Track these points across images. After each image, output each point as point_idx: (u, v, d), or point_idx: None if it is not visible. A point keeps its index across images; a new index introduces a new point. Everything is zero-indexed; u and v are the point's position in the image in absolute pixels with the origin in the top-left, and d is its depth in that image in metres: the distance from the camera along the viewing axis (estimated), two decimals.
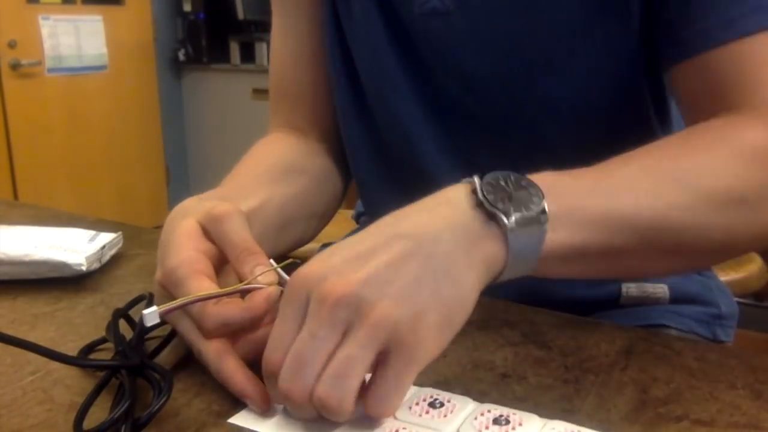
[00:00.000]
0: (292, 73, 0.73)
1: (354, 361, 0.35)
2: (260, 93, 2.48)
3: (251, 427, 0.38)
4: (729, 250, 0.51)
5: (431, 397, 0.40)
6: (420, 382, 0.42)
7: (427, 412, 0.38)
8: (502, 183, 0.41)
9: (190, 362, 0.46)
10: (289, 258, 0.46)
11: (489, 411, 0.38)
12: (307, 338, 0.36)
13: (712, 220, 0.46)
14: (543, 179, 0.42)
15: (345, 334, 0.36)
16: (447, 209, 0.41)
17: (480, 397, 0.41)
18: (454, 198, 0.41)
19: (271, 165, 0.65)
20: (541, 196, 0.41)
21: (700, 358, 0.46)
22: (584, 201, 0.43)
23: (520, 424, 0.37)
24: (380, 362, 0.37)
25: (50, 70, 3.37)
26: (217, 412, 0.40)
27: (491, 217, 0.40)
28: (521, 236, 0.40)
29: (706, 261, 0.59)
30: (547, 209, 0.40)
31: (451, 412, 0.38)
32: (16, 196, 3.25)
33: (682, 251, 0.47)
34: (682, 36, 0.53)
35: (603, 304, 0.64)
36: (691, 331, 0.64)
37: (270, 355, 0.38)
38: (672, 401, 0.40)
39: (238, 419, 0.39)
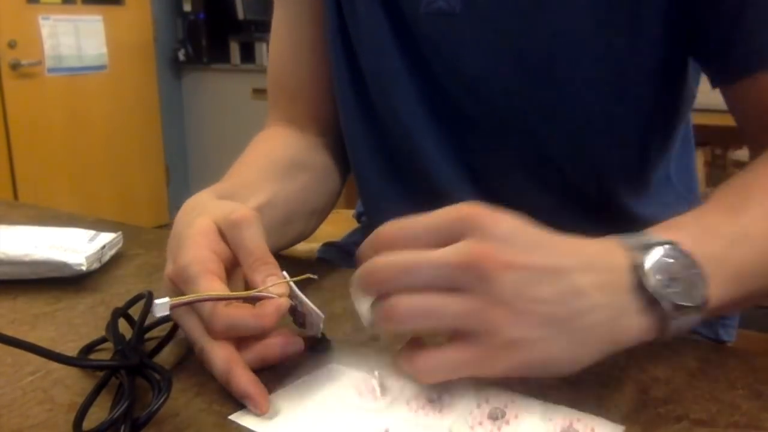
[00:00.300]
0: (291, 67, 0.73)
1: (450, 311, 0.36)
2: (260, 93, 2.47)
3: (251, 427, 0.38)
4: None
5: (435, 395, 0.40)
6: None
7: (427, 415, 0.38)
8: (668, 261, 0.39)
9: (190, 362, 0.46)
10: (306, 274, 0.46)
11: (487, 402, 0.38)
12: (434, 257, 0.36)
13: None
14: (697, 247, 0.41)
15: (460, 291, 0.36)
16: (610, 277, 0.39)
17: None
18: (617, 268, 0.40)
19: (274, 160, 0.65)
20: (703, 282, 0.40)
21: (700, 358, 0.46)
22: (732, 260, 0.43)
23: (516, 417, 0.37)
24: (463, 338, 0.37)
25: (50, 70, 3.37)
26: (217, 412, 0.40)
27: (653, 302, 0.39)
28: (680, 321, 0.40)
29: None
30: (707, 295, 0.40)
31: (449, 406, 0.38)
32: (16, 196, 3.25)
33: None
34: (740, 52, 0.53)
35: None
36: (694, 331, 0.64)
37: (388, 232, 0.38)
38: (672, 401, 0.40)
39: (239, 417, 0.39)
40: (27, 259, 0.60)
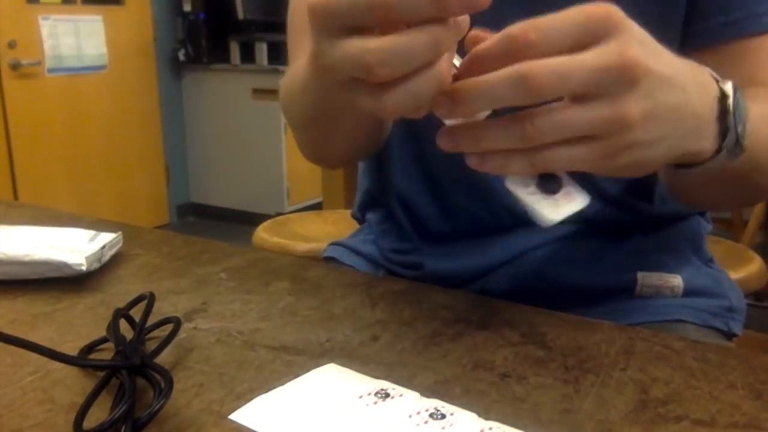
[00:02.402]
0: None
1: (594, 116, 0.37)
2: (260, 93, 2.48)
3: (251, 427, 0.38)
4: None
5: (435, 408, 0.40)
6: (420, 382, 0.43)
7: (426, 422, 0.38)
8: (741, 103, 0.44)
9: (190, 362, 0.46)
10: None
11: (490, 429, 0.38)
12: (589, 62, 0.36)
13: None
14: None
15: (604, 96, 0.37)
16: (707, 98, 0.43)
17: (480, 397, 0.41)
18: (711, 91, 0.43)
19: None
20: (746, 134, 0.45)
21: (700, 358, 0.46)
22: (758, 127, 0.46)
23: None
24: (593, 138, 0.38)
25: (50, 70, 3.37)
26: (217, 412, 0.40)
27: (724, 132, 0.44)
28: (724, 156, 0.44)
29: None
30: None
31: (451, 425, 0.38)
32: (16, 196, 3.25)
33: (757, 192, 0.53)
34: (716, 22, 0.57)
35: (618, 293, 0.64)
36: (707, 325, 0.64)
37: (524, 35, 0.36)
38: (672, 401, 0.40)
39: (239, 417, 0.39)
40: (27, 259, 0.60)
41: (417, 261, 0.69)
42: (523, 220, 0.65)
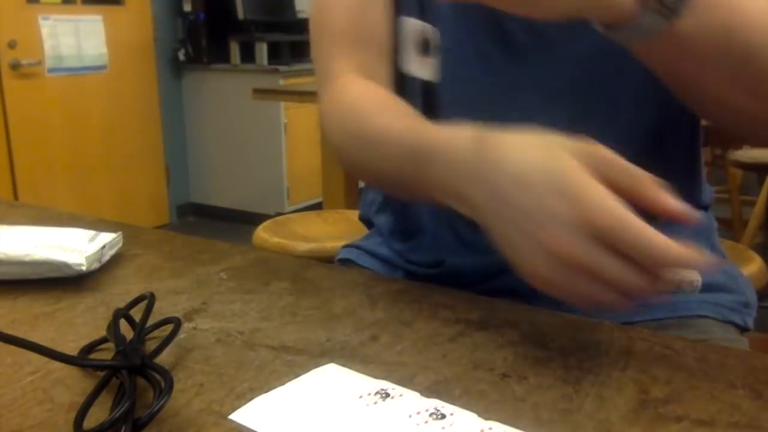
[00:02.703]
0: (371, 13, 0.68)
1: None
2: (260, 93, 2.47)
3: (251, 427, 0.38)
4: None
5: (435, 408, 0.40)
6: (420, 382, 0.43)
7: (426, 422, 0.38)
8: None
9: (190, 362, 0.46)
10: None
11: (490, 429, 0.38)
12: None
13: None
14: None
15: None
16: None
17: (480, 397, 0.41)
18: None
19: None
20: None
21: (700, 358, 0.46)
22: (716, 5, 0.45)
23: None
24: None
25: (50, 70, 3.37)
26: (217, 412, 0.40)
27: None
28: (650, 16, 0.44)
29: None
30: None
31: (451, 425, 0.38)
32: (16, 196, 3.25)
33: (764, 85, 0.49)
34: None
35: None
36: (726, 320, 0.65)
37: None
38: (672, 401, 0.40)
39: (239, 417, 0.39)
40: (27, 259, 0.60)
41: (437, 259, 0.69)
42: None
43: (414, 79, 0.66)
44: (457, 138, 0.49)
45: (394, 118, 0.58)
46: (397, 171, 0.55)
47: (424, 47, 0.63)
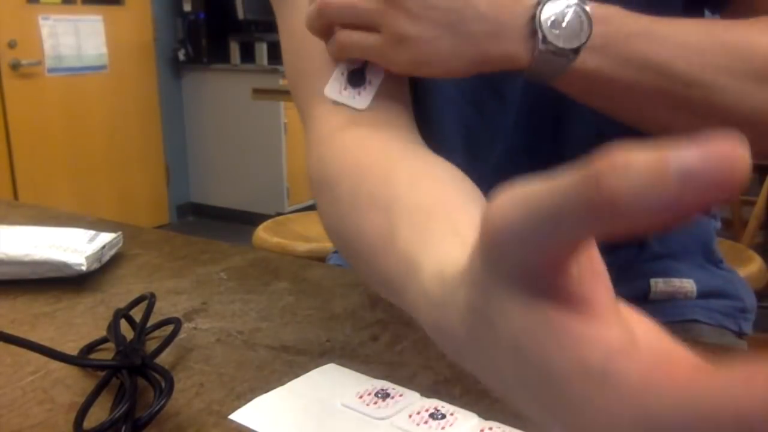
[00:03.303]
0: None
1: (363, 9, 0.46)
2: (260, 93, 2.47)
3: (251, 427, 0.38)
4: (758, 127, 0.50)
5: (435, 408, 0.40)
6: (420, 382, 0.43)
7: (426, 422, 0.38)
8: (563, 6, 0.44)
9: (190, 362, 0.46)
10: None
11: (490, 429, 0.38)
12: None
13: (749, 90, 0.47)
14: (602, 8, 0.45)
15: None
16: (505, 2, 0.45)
17: (480, 397, 0.41)
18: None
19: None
20: (584, 34, 0.44)
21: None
22: (628, 38, 0.45)
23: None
24: (373, 29, 0.46)
25: (50, 70, 3.37)
26: (217, 412, 0.40)
27: (533, 34, 0.44)
28: (549, 60, 0.44)
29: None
30: (588, 42, 0.44)
31: (451, 425, 0.38)
32: (16, 196, 3.25)
33: (711, 113, 0.48)
34: None
35: (631, 302, 0.64)
36: (720, 325, 0.64)
37: None
38: None
39: (239, 417, 0.39)
40: (27, 259, 0.60)
41: None
42: None
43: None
44: (445, 312, 0.29)
45: (380, 224, 0.40)
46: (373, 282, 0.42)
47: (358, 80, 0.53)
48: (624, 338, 0.19)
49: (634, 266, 0.64)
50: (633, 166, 0.16)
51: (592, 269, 0.20)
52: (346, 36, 0.47)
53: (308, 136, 0.53)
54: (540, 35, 0.44)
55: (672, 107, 0.48)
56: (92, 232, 0.66)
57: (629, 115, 0.52)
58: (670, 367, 0.17)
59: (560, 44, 0.44)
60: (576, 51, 0.44)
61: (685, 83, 0.46)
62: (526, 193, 0.19)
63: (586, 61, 0.44)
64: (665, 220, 0.16)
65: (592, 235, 0.18)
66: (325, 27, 0.48)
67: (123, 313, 0.49)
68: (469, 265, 0.23)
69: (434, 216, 0.33)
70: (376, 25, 0.46)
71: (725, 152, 0.15)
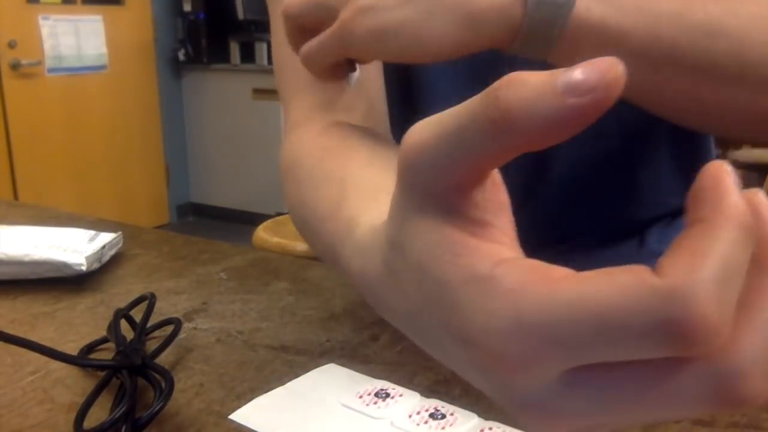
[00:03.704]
0: None
1: None
2: (260, 93, 2.48)
3: (251, 427, 0.38)
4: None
5: (435, 408, 0.40)
6: (420, 382, 0.43)
7: (426, 422, 0.38)
8: None
9: (190, 362, 0.46)
10: None
11: (490, 429, 0.38)
12: None
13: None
14: None
15: None
16: None
17: (480, 397, 0.41)
18: None
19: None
20: None
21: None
22: None
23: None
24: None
25: (50, 70, 3.37)
26: (217, 412, 0.40)
27: None
28: (537, 17, 0.38)
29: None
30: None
31: (451, 425, 0.38)
32: (16, 196, 3.25)
33: (744, 72, 0.41)
34: None
35: None
36: None
37: None
38: None
39: (239, 417, 0.39)
40: (27, 259, 0.60)
41: None
42: (535, 235, 0.65)
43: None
44: (370, 255, 0.30)
45: (321, 197, 0.43)
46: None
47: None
48: (515, 254, 0.21)
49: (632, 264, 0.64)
50: (526, 81, 0.18)
51: (496, 199, 0.22)
52: (306, 48, 0.43)
53: (284, 126, 0.55)
54: None
55: (696, 69, 0.41)
56: (92, 232, 0.66)
57: (647, 89, 0.44)
58: (545, 273, 0.19)
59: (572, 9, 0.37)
60: (570, 3, 0.38)
61: (707, 32, 0.39)
62: (440, 116, 0.20)
63: (590, 8, 0.38)
64: (557, 133, 0.18)
65: (496, 153, 0.19)
66: (295, 30, 0.44)
67: (123, 313, 0.49)
68: (391, 201, 0.24)
69: (384, 190, 0.32)
70: (338, 7, 0.41)
71: (605, 66, 0.18)
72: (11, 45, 3.20)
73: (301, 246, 1.52)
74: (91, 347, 0.48)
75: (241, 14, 3.76)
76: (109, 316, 0.48)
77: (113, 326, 0.47)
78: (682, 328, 0.16)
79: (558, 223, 0.63)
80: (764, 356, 0.17)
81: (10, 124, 3.24)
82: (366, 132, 0.48)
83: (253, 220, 2.39)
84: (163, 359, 0.45)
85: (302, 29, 0.44)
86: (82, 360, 0.46)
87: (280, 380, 0.43)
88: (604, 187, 0.62)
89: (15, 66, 3.22)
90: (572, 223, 0.63)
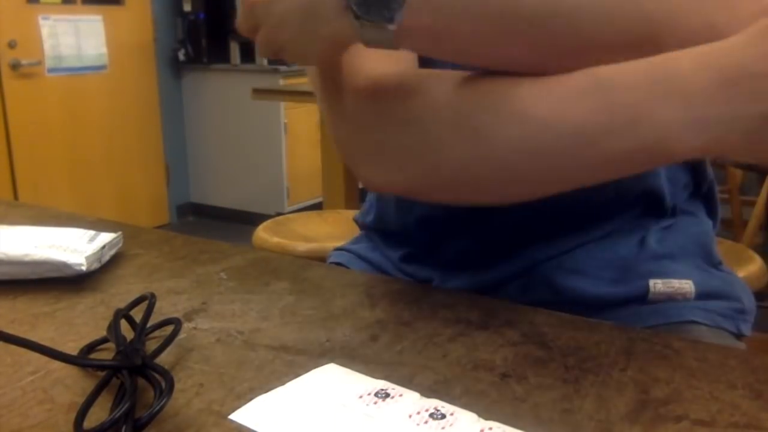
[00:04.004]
0: None
1: None
2: (260, 93, 2.47)
3: (251, 427, 0.38)
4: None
5: (435, 408, 0.40)
6: (420, 382, 0.43)
7: (426, 422, 0.38)
8: None
9: (190, 362, 0.46)
10: None
11: (490, 429, 0.38)
12: None
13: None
14: None
15: None
16: None
17: (480, 397, 0.41)
18: None
19: None
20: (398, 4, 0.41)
21: (700, 358, 0.46)
22: None
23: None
24: None
25: (50, 70, 3.37)
26: (217, 412, 0.40)
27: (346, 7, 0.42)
28: (369, 33, 0.43)
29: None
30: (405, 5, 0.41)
31: (451, 425, 0.38)
32: (16, 196, 3.25)
33: (582, 44, 0.41)
34: None
35: (630, 302, 0.64)
36: (718, 326, 0.64)
37: None
38: (672, 401, 0.40)
39: (239, 417, 0.39)
40: (27, 259, 0.60)
41: (427, 276, 0.69)
42: (535, 234, 0.65)
43: None
44: None
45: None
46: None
47: None
48: None
49: (632, 266, 0.64)
50: None
51: None
52: (260, 35, 0.50)
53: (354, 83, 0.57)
54: (351, 11, 0.41)
55: (538, 46, 0.42)
56: (92, 232, 0.66)
57: (499, 64, 0.45)
58: None
59: (371, 16, 0.41)
60: (390, 20, 0.41)
61: (542, 17, 0.40)
62: None
63: (418, 21, 0.41)
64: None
65: None
66: (252, 27, 0.52)
67: (123, 313, 0.49)
68: None
69: None
70: (260, 23, 0.51)
71: None
72: (11, 45, 3.20)
73: (301, 246, 1.52)
74: (91, 347, 0.48)
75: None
76: (109, 316, 0.48)
77: (113, 326, 0.47)
78: None
79: (558, 223, 0.63)
80: None
81: (10, 124, 3.24)
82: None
83: (253, 220, 2.39)
84: (163, 359, 0.45)
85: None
86: (82, 360, 0.46)
87: (280, 380, 0.43)
88: (604, 187, 0.62)
89: (15, 66, 3.22)
90: (572, 222, 0.63)
